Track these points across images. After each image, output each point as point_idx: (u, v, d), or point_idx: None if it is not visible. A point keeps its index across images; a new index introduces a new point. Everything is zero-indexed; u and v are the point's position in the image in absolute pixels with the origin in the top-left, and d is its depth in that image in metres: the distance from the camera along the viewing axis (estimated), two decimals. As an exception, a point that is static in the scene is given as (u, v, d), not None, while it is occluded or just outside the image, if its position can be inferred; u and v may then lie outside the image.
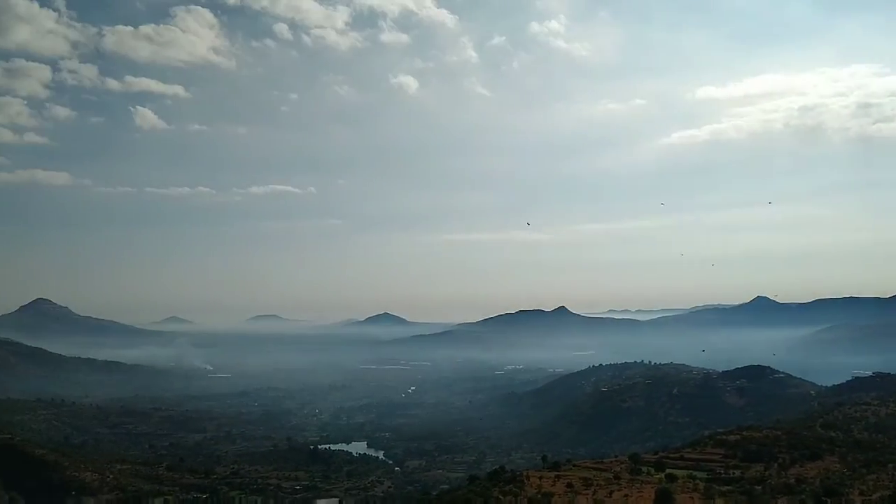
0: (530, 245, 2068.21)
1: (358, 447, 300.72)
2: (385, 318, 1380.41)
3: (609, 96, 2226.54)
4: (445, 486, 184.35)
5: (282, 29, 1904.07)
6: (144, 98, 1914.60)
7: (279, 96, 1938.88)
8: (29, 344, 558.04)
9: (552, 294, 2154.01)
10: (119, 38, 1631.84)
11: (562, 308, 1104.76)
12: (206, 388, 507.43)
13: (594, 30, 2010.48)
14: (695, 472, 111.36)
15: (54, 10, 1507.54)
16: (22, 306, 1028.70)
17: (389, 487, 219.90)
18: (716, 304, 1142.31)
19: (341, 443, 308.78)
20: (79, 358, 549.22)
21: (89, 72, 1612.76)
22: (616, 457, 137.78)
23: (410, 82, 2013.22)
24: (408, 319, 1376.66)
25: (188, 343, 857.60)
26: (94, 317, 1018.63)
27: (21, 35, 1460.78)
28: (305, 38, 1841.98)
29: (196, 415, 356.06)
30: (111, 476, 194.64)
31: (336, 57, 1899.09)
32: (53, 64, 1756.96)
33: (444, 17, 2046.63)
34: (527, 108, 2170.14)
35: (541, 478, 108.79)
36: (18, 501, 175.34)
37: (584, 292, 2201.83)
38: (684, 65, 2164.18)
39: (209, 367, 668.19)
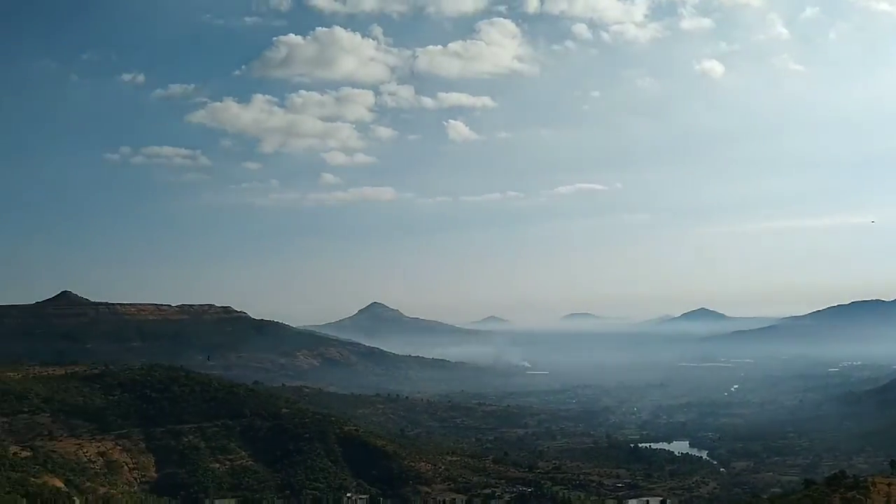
0: (862, 229, 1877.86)
1: (679, 447, 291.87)
2: (701, 313, 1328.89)
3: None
4: (777, 490, 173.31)
5: (581, 30, 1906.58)
6: (456, 112, 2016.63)
7: (581, 96, 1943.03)
8: (367, 344, 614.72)
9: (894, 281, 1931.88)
10: (430, 57, 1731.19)
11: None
12: (524, 384, 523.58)
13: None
14: None
15: (373, 38, 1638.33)
16: (360, 310, 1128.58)
17: (715, 489, 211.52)
18: None
19: (662, 442, 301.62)
20: (410, 356, 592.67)
21: (406, 92, 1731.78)
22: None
23: (716, 67, 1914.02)
24: (726, 314, 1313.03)
25: (506, 341, 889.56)
26: (421, 318, 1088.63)
27: (347, 66, 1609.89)
28: (605, 36, 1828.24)
29: (517, 410, 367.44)
30: (443, 467, 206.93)
31: (636, 50, 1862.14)
32: (375, 88, 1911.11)
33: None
34: (848, 79, 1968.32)
35: (889, 485, 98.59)
36: (364, 487, 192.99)
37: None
38: None
39: (527, 365, 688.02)
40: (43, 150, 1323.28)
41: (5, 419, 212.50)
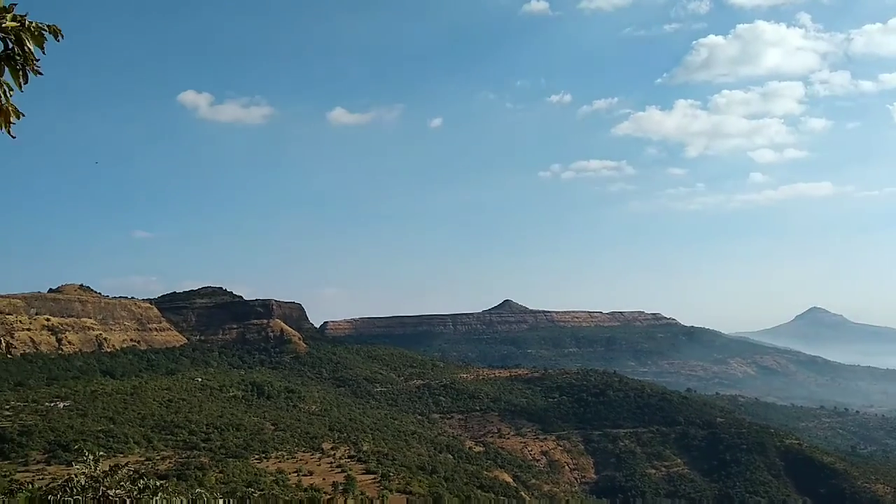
0: None
1: None
2: None
3: None
4: None
5: None
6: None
7: None
8: (807, 352, 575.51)
9: None
10: (867, 38, 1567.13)
11: None
12: None
13: None
14: None
15: (800, 27, 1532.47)
16: (797, 316, 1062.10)
17: None
18: None
19: None
20: (858, 366, 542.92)
21: (841, 79, 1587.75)
22: None
23: None
24: None
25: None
26: (870, 324, 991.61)
27: (772, 59, 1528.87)
28: None
29: None
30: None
31: None
32: (804, 79, 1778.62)
33: None
34: None
35: None
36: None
37: None
38: None
39: None
40: (485, 172, 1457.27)
41: (461, 416, 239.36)
